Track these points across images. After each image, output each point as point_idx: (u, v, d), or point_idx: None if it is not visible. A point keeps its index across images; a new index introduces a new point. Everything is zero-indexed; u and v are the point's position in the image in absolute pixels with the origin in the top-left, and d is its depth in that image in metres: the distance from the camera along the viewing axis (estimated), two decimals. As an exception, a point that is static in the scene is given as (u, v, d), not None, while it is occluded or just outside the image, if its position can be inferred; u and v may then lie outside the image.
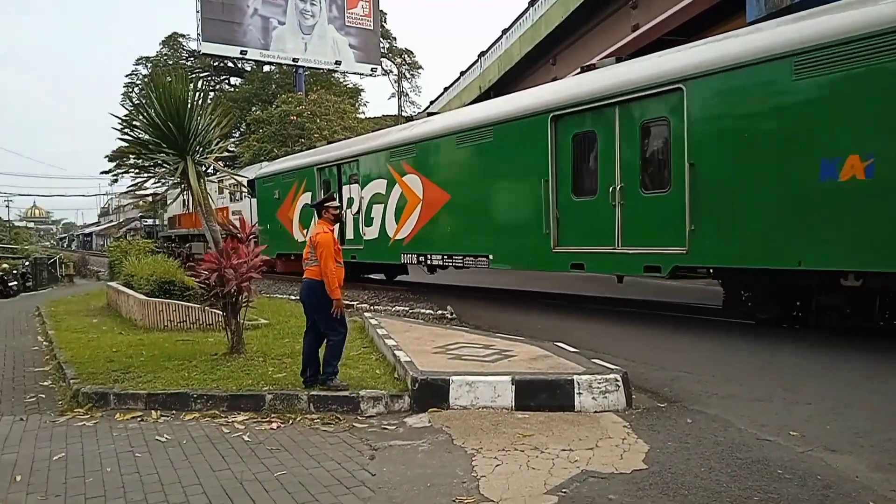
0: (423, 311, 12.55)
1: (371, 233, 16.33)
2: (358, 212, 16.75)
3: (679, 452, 4.79)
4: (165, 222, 38.11)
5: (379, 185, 15.97)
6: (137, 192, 12.30)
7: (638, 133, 10.02)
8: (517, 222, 12.25)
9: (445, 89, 41.74)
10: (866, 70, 7.45)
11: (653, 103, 9.76)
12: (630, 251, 10.10)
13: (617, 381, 6.05)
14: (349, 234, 17.04)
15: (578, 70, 12.64)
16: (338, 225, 7.04)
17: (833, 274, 8.35)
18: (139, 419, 6.19)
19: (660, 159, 9.93)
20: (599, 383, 6.00)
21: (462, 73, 38.47)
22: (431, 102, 44.04)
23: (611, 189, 10.31)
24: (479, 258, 13.08)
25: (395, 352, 7.37)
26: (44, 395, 7.26)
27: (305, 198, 18.96)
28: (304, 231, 18.57)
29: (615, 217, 10.27)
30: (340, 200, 16.80)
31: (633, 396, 6.16)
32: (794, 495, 3.99)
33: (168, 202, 29.67)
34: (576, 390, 5.98)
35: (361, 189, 16.61)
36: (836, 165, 7.69)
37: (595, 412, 5.87)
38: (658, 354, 8.32)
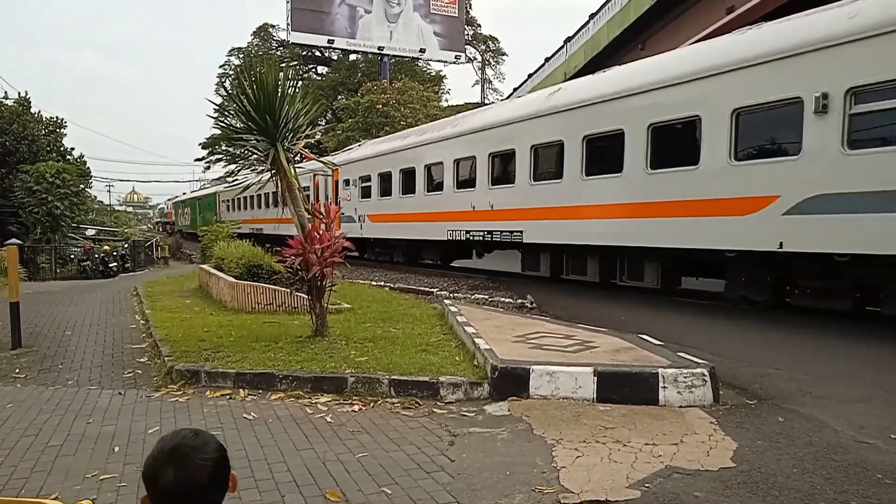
0: (502, 299, 12.51)
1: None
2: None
3: (769, 452, 4.60)
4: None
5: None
6: (228, 179, 12.71)
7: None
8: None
9: (530, 76, 41.29)
10: None
11: None
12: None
13: (704, 375, 5.86)
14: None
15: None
16: None
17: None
18: (228, 397, 6.41)
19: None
20: (685, 377, 5.83)
21: (547, 60, 37.93)
22: (515, 89, 43.68)
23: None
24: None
25: (475, 339, 7.36)
26: (140, 371, 7.61)
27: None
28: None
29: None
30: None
31: (721, 392, 5.96)
32: (896, 503, 3.77)
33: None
34: (660, 384, 5.82)
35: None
36: None
37: (680, 407, 5.70)
38: (748, 350, 8.01)
